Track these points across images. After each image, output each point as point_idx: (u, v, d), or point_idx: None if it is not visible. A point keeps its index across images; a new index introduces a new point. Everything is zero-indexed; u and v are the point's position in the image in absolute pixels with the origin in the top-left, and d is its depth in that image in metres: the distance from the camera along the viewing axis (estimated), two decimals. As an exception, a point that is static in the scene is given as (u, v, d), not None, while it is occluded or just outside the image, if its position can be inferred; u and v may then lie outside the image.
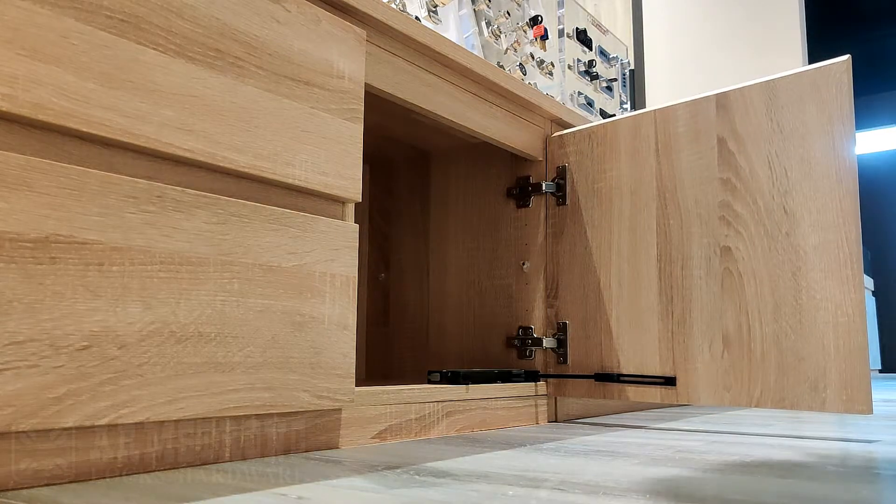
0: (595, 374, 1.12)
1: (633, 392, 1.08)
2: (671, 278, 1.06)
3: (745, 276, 0.98)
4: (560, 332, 1.17)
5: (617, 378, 1.09)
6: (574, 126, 1.28)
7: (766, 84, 1.00)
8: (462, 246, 1.34)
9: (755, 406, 0.95)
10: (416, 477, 0.61)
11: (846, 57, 0.92)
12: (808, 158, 0.95)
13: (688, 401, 1.02)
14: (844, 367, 0.89)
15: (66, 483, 0.56)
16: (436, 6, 1.43)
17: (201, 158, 0.67)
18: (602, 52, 2.03)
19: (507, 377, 1.11)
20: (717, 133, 1.03)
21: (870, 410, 0.86)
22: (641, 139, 1.11)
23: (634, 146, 1.12)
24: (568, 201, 1.19)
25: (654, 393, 1.06)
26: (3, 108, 0.53)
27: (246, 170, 0.70)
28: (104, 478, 0.59)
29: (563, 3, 1.87)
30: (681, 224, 1.06)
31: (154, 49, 0.63)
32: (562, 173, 1.20)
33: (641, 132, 1.12)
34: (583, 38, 1.92)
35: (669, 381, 1.04)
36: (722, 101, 1.03)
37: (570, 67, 1.86)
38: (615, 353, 1.11)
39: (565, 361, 1.16)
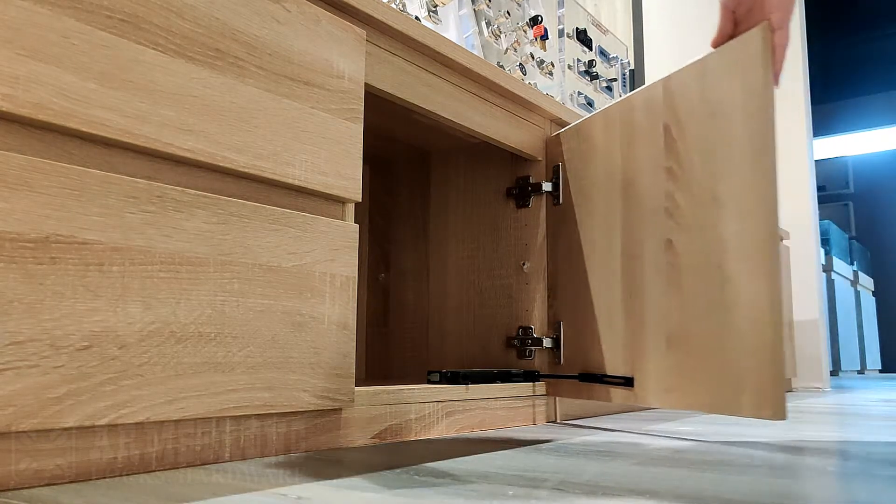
0: (580, 374, 1.11)
1: (610, 393, 1.05)
2: (632, 275, 1.02)
3: (683, 271, 0.92)
4: (557, 332, 1.17)
5: (599, 379, 1.07)
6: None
7: (700, 62, 0.91)
8: (462, 246, 1.34)
9: (691, 409, 0.90)
10: (416, 477, 0.61)
11: (763, 23, 0.81)
12: (730, 139, 0.86)
13: (643, 402, 0.98)
14: (758, 369, 0.80)
15: (66, 483, 0.56)
16: (436, 6, 1.43)
17: (201, 158, 0.67)
18: (602, 52, 2.03)
19: (506, 377, 1.11)
20: (663, 120, 0.97)
21: (782, 416, 0.76)
22: (610, 132, 1.09)
23: (606, 139, 1.09)
24: (562, 200, 1.19)
25: (619, 394, 1.02)
26: (4, 108, 0.53)
27: (246, 170, 0.70)
28: (104, 478, 0.59)
29: (563, 3, 1.87)
30: (639, 218, 1.01)
31: (154, 49, 0.63)
32: (557, 172, 1.20)
33: (610, 125, 1.09)
34: (583, 38, 1.92)
35: (628, 382, 1.00)
36: (667, 86, 0.96)
37: (570, 67, 1.86)
38: (598, 353, 1.09)
39: (560, 361, 1.16)
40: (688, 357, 0.91)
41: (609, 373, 1.06)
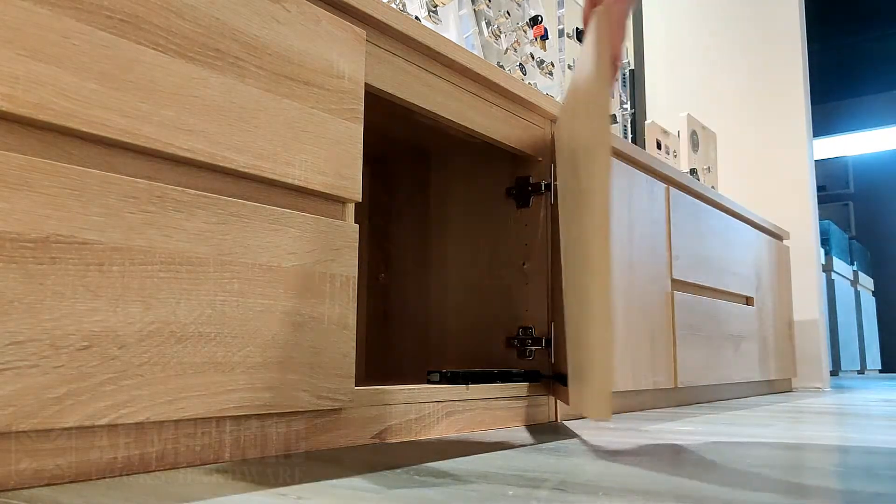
0: (553, 374, 1.13)
1: (567, 395, 1.08)
2: (572, 269, 1.04)
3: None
4: (550, 332, 1.17)
5: (563, 380, 1.09)
6: (574, 126, 1.28)
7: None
8: (462, 246, 1.34)
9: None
10: (416, 477, 0.61)
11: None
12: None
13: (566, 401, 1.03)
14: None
15: (66, 483, 0.56)
16: (436, 6, 1.43)
17: (201, 158, 0.67)
18: (602, 52, 2.02)
19: (506, 377, 1.11)
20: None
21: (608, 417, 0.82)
22: (561, 128, 1.10)
23: (563, 135, 1.11)
24: (555, 199, 1.19)
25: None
26: (4, 108, 0.53)
27: (246, 170, 0.70)
28: (104, 478, 0.59)
29: (563, 3, 1.87)
30: (577, 210, 1.03)
31: (154, 49, 0.63)
32: (554, 172, 1.20)
33: (561, 119, 1.10)
34: (583, 38, 1.91)
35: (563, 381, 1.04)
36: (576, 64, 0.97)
37: (569, 67, 1.86)
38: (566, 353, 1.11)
39: (552, 361, 1.16)
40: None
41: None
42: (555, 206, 1.20)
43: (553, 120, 1.26)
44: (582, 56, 0.91)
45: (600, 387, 0.82)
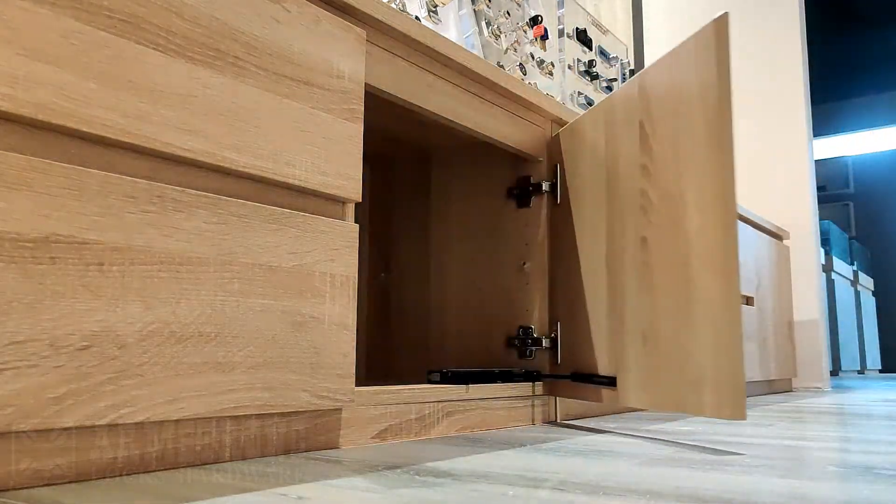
0: (571, 374, 1.12)
1: (601, 393, 1.05)
2: (614, 273, 1.02)
3: (655, 268, 0.92)
4: (555, 331, 1.17)
5: (589, 378, 1.08)
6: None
7: (670, 54, 0.91)
8: (462, 246, 1.34)
9: (662, 409, 0.90)
10: (416, 477, 0.61)
11: (722, 13, 0.80)
12: (691, 132, 0.86)
13: (625, 402, 0.98)
14: (717, 368, 0.81)
15: (66, 483, 0.56)
16: (436, 6, 1.43)
17: (201, 158, 0.67)
18: (602, 52, 2.02)
19: (507, 377, 1.11)
20: (638, 117, 0.97)
21: (742, 416, 0.77)
22: (597, 131, 1.09)
23: (593, 138, 1.10)
24: (560, 200, 1.19)
25: (606, 394, 1.02)
26: (4, 108, 0.53)
27: (246, 170, 0.70)
28: (104, 478, 0.59)
29: (563, 3, 1.87)
30: (620, 216, 1.02)
31: (154, 49, 0.63)
32: (556, 172, 1.20)
33: (596, 123, 1.09)
34: (583, 38, 1.92)
35: (611, 382, 1.01)
36: (642, 82, 0.96)
37: (570, 67, 1.86)
38: (589, 353, 1.09)
39: (557, 361, 1.16)
40: (658, 356, 0.91)
41: (599, 373, 1.06)
42: (558, 206, 1.20)
43: (553, 120, 1.26)
44: None
45: (733, 385, 0.78)
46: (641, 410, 1.41)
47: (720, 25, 0.81)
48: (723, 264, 0.79)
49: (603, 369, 1.04)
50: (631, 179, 0.99)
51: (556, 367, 1.17)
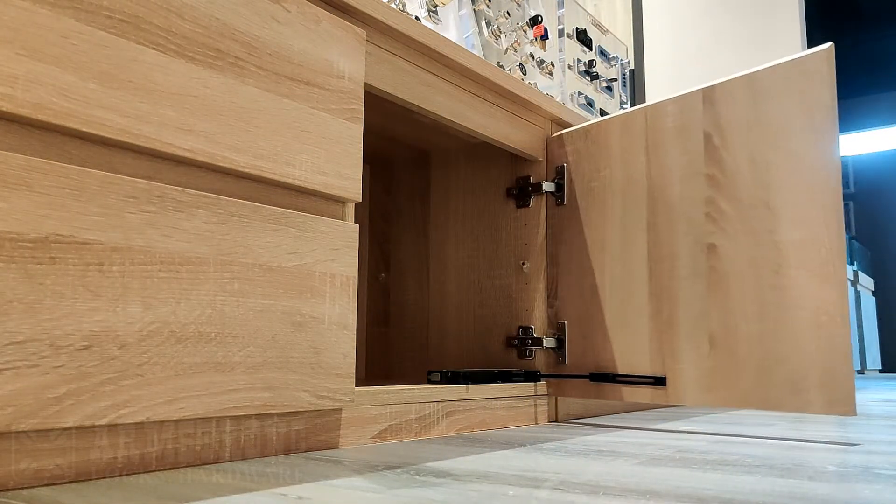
0: (590, 374, 1.12)
1: (627, 392, 1.08)
2: (660, 277, 1.05)
3: (730, 275, 0.97)
4: (559, 332, 1.17)
5: (611, 378, 1.09)
6: (574, 126, 1.28)
7: (748, 76, 0.99)
8: (462, 246, 1.34)
9: (738, 407, 0.95)
10: (416, 477, 0.61)
11: (828, 45, 0.90)
12: (789, 151, 0.93)
13: (676, 401, 1.01)
14: (826, 369, 0.87)
15: (66, 483, 0.56)
16: (436, 6, 1.43)
17: (201, 158, 0.67)
18: (602, 52, 2.02)
19: (507, 377, 1.11)
20: (703, 128, 1.02)
21: (852, 412, 0.84)
22: (632, 136, 1.11)
23: (625, 144, 1.12)
24: (566, 201, 1.19)
25: (645, 393, 1.05)
26: (3, 108, 0.53)
27: (246, 170, 0.70)
28: (104, 478, 0.59)
29: (563, 3, 1.87)
30: (669, 222, 1.05)
31: (154, 49, 0.63)
32: (560, 173, 1.21)
33: (632, 129, 1.11)
34: (583, 38, 1.92)
35: (660, 382, 1.04)
36: (708, 95, 1.02)
37: (570, 67, 1.86)
38: (610, 353, 1.10)
39: (564, 361, 1.16)
40: (733, 357, 0.96)
41: (626, 372, 1.08)
42: (563, 207, 1.20)
43: (553, 120, 1.26)
44: None
45: (845, 387, 0.85)
46: (642, 411, 1.41)
47: (830, 54, 0.90)
48: (833, 274, 0.88)
49: (638, 369, 1.06)
50: (689, 187, 1.03)
51: (563, 368, 1.17)
